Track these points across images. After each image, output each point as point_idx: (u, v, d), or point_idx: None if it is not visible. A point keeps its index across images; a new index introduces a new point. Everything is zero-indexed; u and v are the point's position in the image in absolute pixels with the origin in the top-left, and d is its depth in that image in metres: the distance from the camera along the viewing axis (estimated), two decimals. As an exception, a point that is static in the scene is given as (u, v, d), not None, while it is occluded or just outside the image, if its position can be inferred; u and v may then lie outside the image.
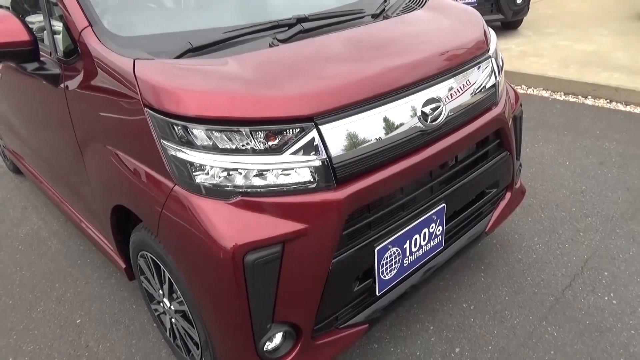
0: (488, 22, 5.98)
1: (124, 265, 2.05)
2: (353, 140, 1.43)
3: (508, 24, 6.17)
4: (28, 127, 2.48)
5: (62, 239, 2.88)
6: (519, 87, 4.74)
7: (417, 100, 1.58)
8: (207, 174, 1.35)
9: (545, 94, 4.53)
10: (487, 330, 1.99)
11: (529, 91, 4.62)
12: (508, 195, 2.15)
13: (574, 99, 4.34)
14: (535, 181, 3.02)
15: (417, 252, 1.72)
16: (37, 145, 2.47)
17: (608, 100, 4.24)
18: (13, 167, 3.68)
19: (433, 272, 1.84)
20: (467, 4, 5.54)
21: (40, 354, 2.07)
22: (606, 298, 2.09)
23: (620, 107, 4.10)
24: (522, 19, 6.10)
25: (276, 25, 1.71)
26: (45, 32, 1.81)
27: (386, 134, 1.50)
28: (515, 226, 2.61)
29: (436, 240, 1.78)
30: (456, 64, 1.75)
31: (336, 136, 1.40)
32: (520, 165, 2.24)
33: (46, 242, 2.87)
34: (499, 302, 2.12)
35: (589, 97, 4.34)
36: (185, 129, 1.33)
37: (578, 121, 3.86)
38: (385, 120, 1.50)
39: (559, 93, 4.50)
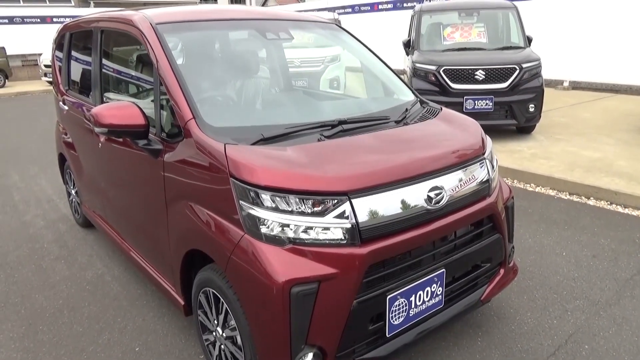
0: (503, 126, 6.72)
1: (182, 303, 2.54)
2: (375, 212, 1.96)
3: (522, 129, 6.81)
4: (117, 188, 3.10)
5: (123, 283, 3.40)
6: (528, 185, 5.25)
7: (425, 187, 2.12)
8: (269, 227, 1.88)
9: (551, 192, 5.02)
10: (479, 383, 2.36)
11: (537, 189, 5.13)
12: (502, 271, 2.60)
13: (578, 199, 4.81)
14: (533, 267, 3.44)
15: (421, 306, 2.16)
16: (123, 203, 3.08)
17: (609, 202, 4.68)
18: (82, 221, 4.30)
19: (434, 329, 2.27)
20: (483, 110, 6.25)
21: (106, 372, 2.52)
22: (584, 366, 2.44)
23: (619, 209, 4.54)
24: (535, 125, 6.75)
25: (323, 125, 2.32)
26: (154, 118, 2.46)
27: (400, 209, 2.03)
28: (512, 302, 3.01)
29: (437, 299, 2.23)
30: (457, 162, 2.30)
31: (363, 207, 1.93)
32: (513, 247, 2.70)
33: (109, 284, 3.39)
34: (491, 362, 2.50)
35: (591, 198, 4.80)
36: (257, 193, 1.89)
37: (579, 219, 4.31)
38: (400, 199, 2.04)
39: (564, 193, 4.98)
